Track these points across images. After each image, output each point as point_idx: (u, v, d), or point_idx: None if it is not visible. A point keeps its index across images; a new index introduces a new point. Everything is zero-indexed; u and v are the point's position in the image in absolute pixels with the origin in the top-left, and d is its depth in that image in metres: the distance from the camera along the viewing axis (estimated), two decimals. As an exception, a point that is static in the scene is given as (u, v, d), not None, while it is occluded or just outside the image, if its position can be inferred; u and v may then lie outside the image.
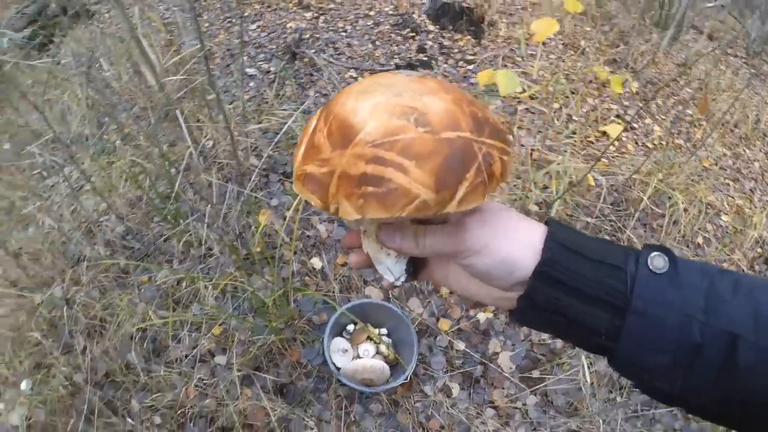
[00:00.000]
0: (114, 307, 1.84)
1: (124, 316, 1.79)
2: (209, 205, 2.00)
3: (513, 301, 0.41)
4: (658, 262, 0.37)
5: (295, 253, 2.01)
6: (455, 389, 1.83)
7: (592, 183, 2.13)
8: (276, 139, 2.39)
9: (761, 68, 3.66)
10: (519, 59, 3.22)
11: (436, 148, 0.34)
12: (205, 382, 1.72)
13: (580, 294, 0.37)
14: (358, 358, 1.73)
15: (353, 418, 1.71)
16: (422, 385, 1.80)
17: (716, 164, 2.69)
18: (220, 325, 1.80)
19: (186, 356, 1.74)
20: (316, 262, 1.99)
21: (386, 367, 1.69)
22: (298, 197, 1.82)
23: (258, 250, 1.98)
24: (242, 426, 1.66)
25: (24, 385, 1.77)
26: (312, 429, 1.69)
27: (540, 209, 2.28)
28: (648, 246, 0.39)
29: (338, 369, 1.67)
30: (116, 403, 1.66)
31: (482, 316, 2.02)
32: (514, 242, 0.40)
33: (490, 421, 1.78)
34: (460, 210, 0.35)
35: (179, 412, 1.65)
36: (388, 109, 0.35)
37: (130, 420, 1.62)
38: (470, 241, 0.40)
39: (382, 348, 1.76)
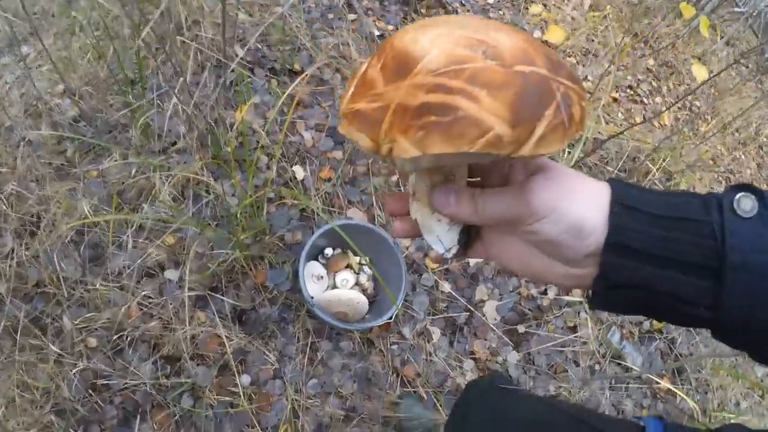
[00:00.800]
0: (51, 202, 1.52)
1: (59, 214, 1.48)
2: (179, 90, 1.64)
3: (582, 279, 0.37)
4: (745, 203, 0.32)
5: (272, 158, 1.67)
6: (436, 335, 1.57)
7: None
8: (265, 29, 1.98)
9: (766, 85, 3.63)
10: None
11: (510, 79, 0.29)
12: (151, 300, 1.44)
13: (662, 261, 0.32)
14: (334, 288, 1.45)
15: (320, 357, 1.45)
16: (401, 326, 1.54)
17: (713, 161, 2.63)
18: (174, 232, 1.49)
19: (130, 268, 1.45)
20: (298, 171, 1.66)
21: (365, 301, 1.41)
22: (284, 96, 1.47)
23: (230, 150, 1.65)
24: (191, 356, 1.40)
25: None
26: (272, 365, 1.43)
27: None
28: (731, 188, 0.33)
29: (311, 298, 1.39)
30: (45, 320, 1.38)
31: (472, 260, 1.73)
32: (584, 203, 0.35)
33: (469, 374, 1.54)
34: (537, 153, 0.30)
35: (118, 334, 1.38)
36: (452, 39, 0.30)
37: (58, 341, 1.35)
38: (537, 203, 0.35)
39: (362, 279, 1.47)
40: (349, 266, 1.49)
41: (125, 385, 1.35)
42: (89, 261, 1.46)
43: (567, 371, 1.64)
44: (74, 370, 1.32)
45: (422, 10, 2.48)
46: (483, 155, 0.29)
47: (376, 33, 2.30)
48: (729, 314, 0.31)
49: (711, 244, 0.32)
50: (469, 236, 0.40)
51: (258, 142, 1.66)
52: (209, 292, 1.46)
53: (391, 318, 1.33)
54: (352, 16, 2.31)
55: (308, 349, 1.45)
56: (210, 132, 1.56)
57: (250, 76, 1.91)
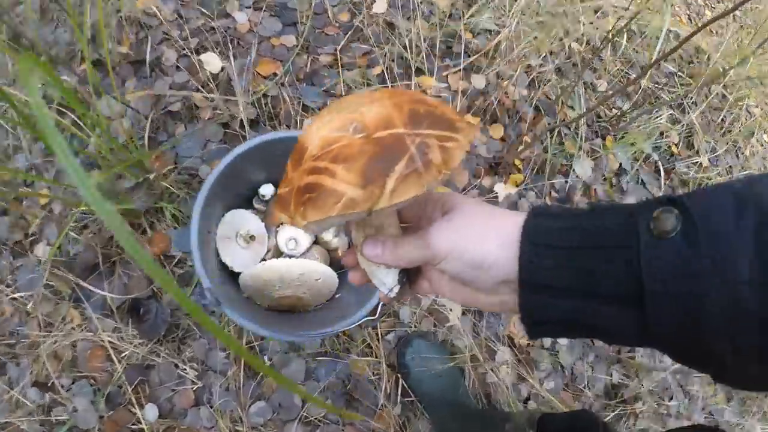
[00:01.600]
0: None
1: None
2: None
3: (507, 304, 0.36)
4: (665, 222, 0.28)
5: (183, 52, 1.04)
6: (453, 314, 0.99)
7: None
8: None
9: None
10: None
11: (365, 148, 0.33)
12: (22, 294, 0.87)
13: (582, 293, 0.30)
14: (275, 255, 0.85)
15: (267, 363, 0.89)
16: (397, 304, 0.96)
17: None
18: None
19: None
20: (212, 61, 1.03)
21: (330, 275, 0.82)
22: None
23: (124, 50, 1.02)
24: (72, 380, 0.85)
25: None
26: (192, 383, 0.87)
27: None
28: (651, 202, 0.30)
29: (229, 274, 0.81)
30: None
31: (501, 188, 1.12)
32: (485, 242, 0.35)
33: (505, 371, 0.98)
34: (393, 203, 0.32)
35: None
36: (331, 125, 0.35)
37: None
38: (436, 246, 0.36)
39: (328, 235, 0.87)
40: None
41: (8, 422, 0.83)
42: None
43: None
44: None
45: None
46: (350, 215, 0.33)
47: None
48: (657, 341, 0.29)
49: (631, 272, 0.28)
50: (410, 276, 0.42)
51: (165, 33, 1.03)
52: (80, 279, 0.88)
53: (377, 306, 0.74)
54: None
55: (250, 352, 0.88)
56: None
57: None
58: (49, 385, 0.87)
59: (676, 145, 1.35)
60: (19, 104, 0.87)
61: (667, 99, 1.39)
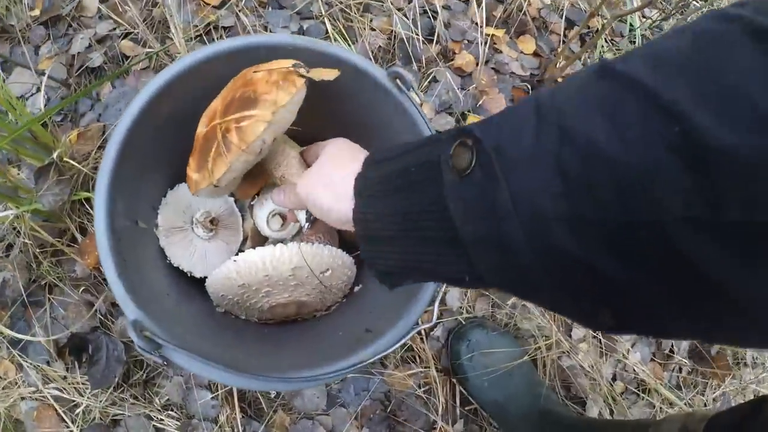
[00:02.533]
0: None
1: None
2: None
3: None
4: (461, 158, 0.25)
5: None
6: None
7: None
8: None
9: None
10: None
11: (198, 143, 0.46)
12: None
13: (413, 241, 0.28)
14: (259, 243, 0.58)
15: (272, 395, 0.63)
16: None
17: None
18: None
19: None
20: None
21: (344, 260, 0.54)
22: None
23: (36, 13, 0.74)
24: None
25: None
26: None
27: None
28: (452, 134, 0.27)
29: (189, 282, 0.55)
30: None
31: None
32: (325, 193, 0.37)
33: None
34: (217, 177, 0.42)
35: None
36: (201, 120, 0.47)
37: None
38: (300, 194, 0.40)
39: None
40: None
41: None
42: None
43: None
44: None
45: None
46: (207, 190, 0.45)
47: None
48: (492, 284, 0.26)
49: (445, 213, 0.26)
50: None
51: None
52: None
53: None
54: None
55: (236, 390, 0.63)
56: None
57: None
58: None
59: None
60: None
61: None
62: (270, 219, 0.56)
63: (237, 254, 0.51)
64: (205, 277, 0.53)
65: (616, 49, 0.96)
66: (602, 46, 0.95)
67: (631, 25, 0.98)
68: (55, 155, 0.54)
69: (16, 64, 0.74)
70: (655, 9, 1.01)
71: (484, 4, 0.87)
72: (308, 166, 0.48)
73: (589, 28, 0.96)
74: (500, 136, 0.23)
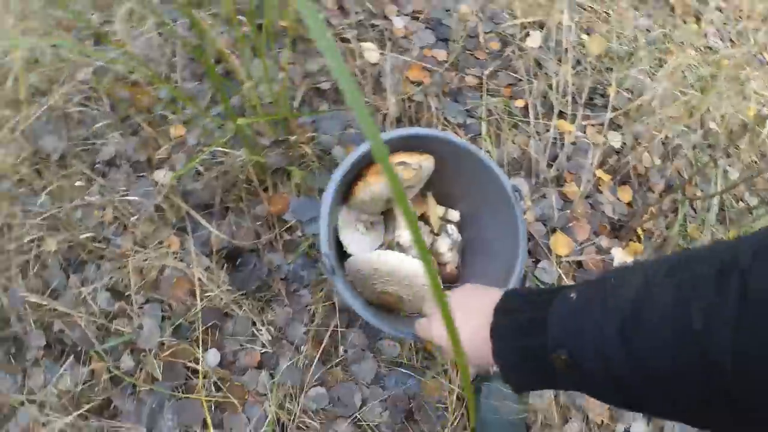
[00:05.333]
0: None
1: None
2: None
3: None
4: (559, 360, 0.37)
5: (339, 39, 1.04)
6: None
7: None
8: None
9: None
10: None
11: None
12: (131, 207, 0.88)
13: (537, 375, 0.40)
14: (390, 247, 0.81)
15: (341, 354, 0.84)
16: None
17: None
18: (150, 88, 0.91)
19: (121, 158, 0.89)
20: (370, 53, 1.02)
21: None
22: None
23: (285, 23, 1.03)
24: (145, 300, 0.84)
25: None
26: (262, 347, 0.83)
27: None
28: (550, 333, 0.38)
29: (328, 256, 0.77)
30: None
31: (618, 253, 1.03)
32: (465, 343, 0.44)
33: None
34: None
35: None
36: None
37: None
38: (434, 333, 0.52)
39: (442, 246, 0.82)
40: (424, 217, 0.84)
41: (68, 313, 0.83)
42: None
43: None
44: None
45: None
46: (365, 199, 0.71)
47: None
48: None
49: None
50: None
51: (327, 20, 1.04)
52: (194, 208, 0.87)
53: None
54: None
55: (326, 336, 0.84)
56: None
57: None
58: (125, 295, 0.86)
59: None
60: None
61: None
62: (405, 241, 0.79)
63: (374, 249, 0.73)
64: (350, 255, 0.76)
65: (699, 221, 1.13)
66: (684, 214, 1.12)
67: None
68: (292, 139, 0.80)
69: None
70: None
71: (601, 151, 1.09)
72: None
73: (684, 195, 1.15)
74: (585, 356, 0.34)
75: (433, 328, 0.52)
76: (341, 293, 0.64)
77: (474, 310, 0.45)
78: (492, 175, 0.74)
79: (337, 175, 0.69)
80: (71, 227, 0.88)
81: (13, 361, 0.85)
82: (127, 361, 0.84)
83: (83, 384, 0.83)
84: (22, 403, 0.81)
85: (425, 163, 0.76)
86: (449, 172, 0.81)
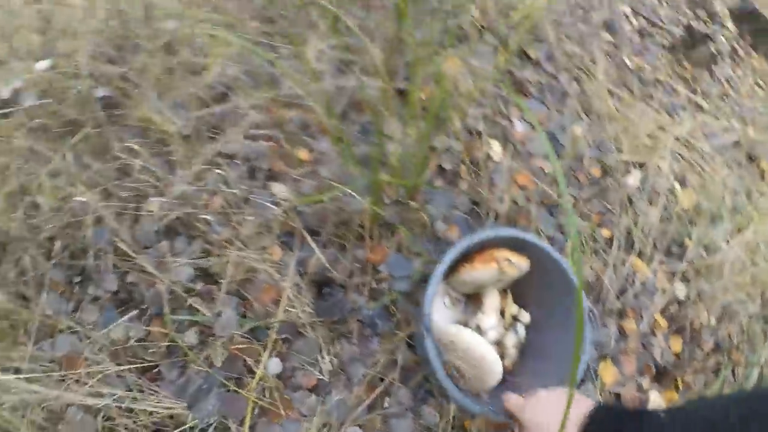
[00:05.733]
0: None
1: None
2: None
3: None
4: None
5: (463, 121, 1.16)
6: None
7: None
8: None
9: None
10: None
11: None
12: (237, 208, 0.99)
13: None
14: (467, 326, 0.89)
15: (386, 406, 0.90)
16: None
17: None
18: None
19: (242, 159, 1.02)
20: (495, 150, 1.13)
21: (498, 371, 0.83)
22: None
23: (423, 95, 1.17)
24: (230, 290, 0.93)
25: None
26: (319, 375, 0.91)
27: None
28: None
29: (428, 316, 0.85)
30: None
31: (656, 397, 1.07)
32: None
33: None
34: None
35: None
36: None
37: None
38: (525, 419, 0.60)
39: (509, 340, 0.90)
40: (500, 311, 0.92)
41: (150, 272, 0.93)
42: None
43: None
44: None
45: (686, 63, 1.86)
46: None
47: (629, 64, 1.73)
48: None
49: None
50: None
51: (458, 100, 1.17)
52: (305, 233, 0.98)
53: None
54: (607, 36, 1.77)
55: (380, 386, 0.91)
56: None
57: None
58: (213, 279, 0.95)
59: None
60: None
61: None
62: (475, 320, 0.87)
63: (452, 323, 0.82)
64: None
65: (737, 387, 1.17)
66: (724, 377, 1.16)
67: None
68: (412, 204, 0.91)
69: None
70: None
71: (666, 298, 1.16)
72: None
73: (729, 359, 1.19)
74: None
75: (527, 411, 0.59)
76: (428, 350, 0.73)
77: (562, 412, 0.50)
78: (573, 292, 0.82)
79: (455, 252, 0.78)
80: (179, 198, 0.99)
81: (73, 288, 0.93)
82: (191, 338, 0.92)
83: (136, 341, 0.90)
84: (66, 330, 0.88)
85: (524, 265, 0.85)
86: (533, 276, 0.89)
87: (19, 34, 1.37)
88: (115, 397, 0.83)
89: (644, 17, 2.07)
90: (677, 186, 1.39)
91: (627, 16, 2.01)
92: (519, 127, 1.22)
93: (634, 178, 1.28)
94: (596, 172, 1.27)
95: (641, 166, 1.33)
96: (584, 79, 1.47)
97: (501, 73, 1.27)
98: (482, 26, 1.38)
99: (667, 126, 1.49)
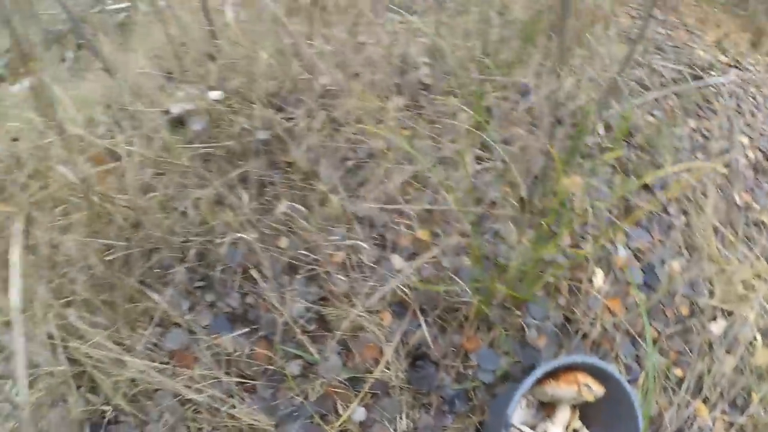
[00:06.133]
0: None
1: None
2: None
3: None
4: None
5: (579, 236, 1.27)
6: None
7: None
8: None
9: None
10: None
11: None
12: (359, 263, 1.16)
13: None
14: (534, 428, 1.01)
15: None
16: None
17: None
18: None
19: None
20: (598, 278, 1.23)
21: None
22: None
23: (547, 207, 1.29)
24: (337, 339, 1.10)
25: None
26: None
27: None
28: None
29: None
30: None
31: None
32: None
33: None
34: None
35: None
36: None
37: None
38: None
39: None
40: (566, 424, 1.03)
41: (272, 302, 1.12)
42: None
43: None
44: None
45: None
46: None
47: (738, 201, 1.75)
48: None
49: None
50: None
51: (572, 218, 1.28)
52: (418, 311, 1.13)
53: None
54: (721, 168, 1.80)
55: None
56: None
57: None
58: (326, 325, 1.12)
59: None
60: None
61: None
62: (543, 428, 0.98)
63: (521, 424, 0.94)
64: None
65: None
66: None
67: None
68: (515, 312, 1.03)
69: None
70: None
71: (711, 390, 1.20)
72: None
73: None
74: None
75: None
76: None
77: None
78: (635, 423, 0.93)
79: (546, 368, 0.91)
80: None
81: (194, 291, 1.13)
82: (293, 368, 1.09)
83: (239, 355, 1.07)
84: (179, 326, 1.08)
85: (600, 392, 0.95)
86: (603, 401, 0.99)
87: (189, 55, 1.62)
88: (209, 394, 1.01)
89: (761, 150, 2.07)
90: (759, 338, 1.42)
91: (744, 147, 2.02)
92: (621, 252, 1.32)
93: (718, 327, 1.33)
94: (684, 310, 1.33)
95: (729, 314, 1.38)
96: (692, 212, 1.53)
97: (617, 197, 1.37)
98: (605, 147, 1.48)
99: (764, 274, 1.52)
